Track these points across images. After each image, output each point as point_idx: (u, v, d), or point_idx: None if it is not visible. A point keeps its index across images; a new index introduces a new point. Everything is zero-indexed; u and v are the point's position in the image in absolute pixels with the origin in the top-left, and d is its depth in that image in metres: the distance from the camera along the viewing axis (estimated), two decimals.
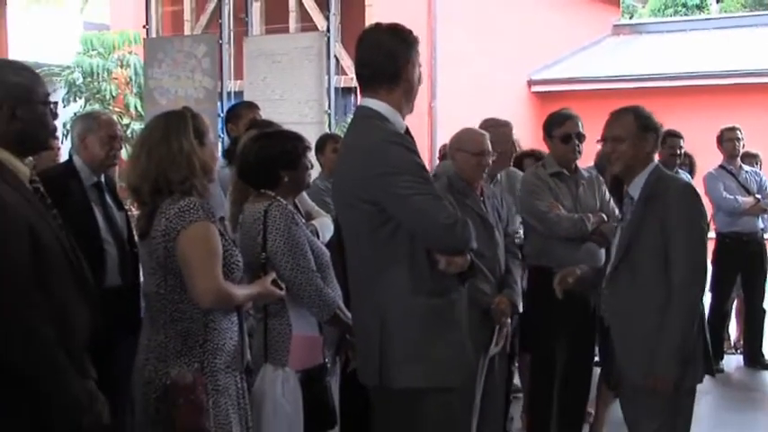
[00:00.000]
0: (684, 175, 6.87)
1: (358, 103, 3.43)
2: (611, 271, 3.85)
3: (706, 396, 6.45)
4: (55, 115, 2.76)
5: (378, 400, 3.36)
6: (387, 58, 3.23)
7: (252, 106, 6.04)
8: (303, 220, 3.80)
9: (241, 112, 5.89)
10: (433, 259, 3.18)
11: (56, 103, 2.79)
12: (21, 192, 2.58)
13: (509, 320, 4.59)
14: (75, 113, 11.18)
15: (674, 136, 6.66)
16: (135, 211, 3.45)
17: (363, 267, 3.30)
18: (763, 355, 7.85)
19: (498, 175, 5.36)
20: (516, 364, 5.85)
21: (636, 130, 3.73)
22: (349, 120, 3.52)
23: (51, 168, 4.57)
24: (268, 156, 3.73)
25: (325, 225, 4.14)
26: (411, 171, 3.13)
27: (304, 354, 3.65)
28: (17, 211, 2.49)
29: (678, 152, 6.80)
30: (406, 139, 3.21)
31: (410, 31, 3.31)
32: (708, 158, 7.84)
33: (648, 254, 3.67)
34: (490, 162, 4.60)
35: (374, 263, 3.22)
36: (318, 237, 3.92)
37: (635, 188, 3.77)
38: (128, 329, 3.82)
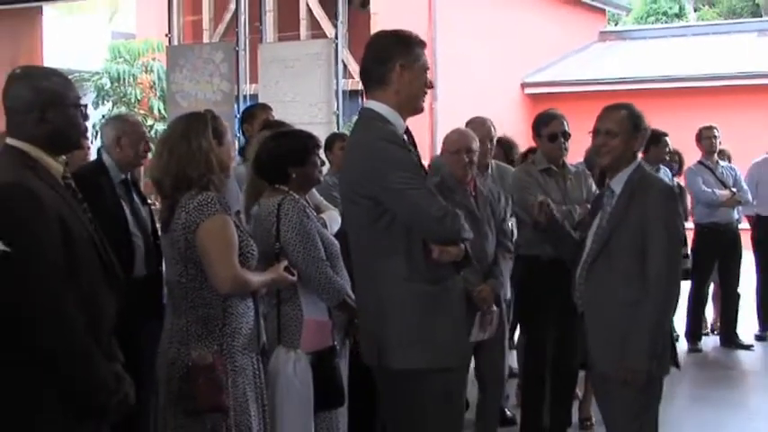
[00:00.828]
0: (664, 173, 6.88)
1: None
2: (587, 261, 3.70)
3: (685, 375, 6.44)
4: (86, 117, 2.75)
5: (379, 379, 3.34)
6: (375, 62, 3.20)
7: (265, 108, 6.04)
8: (314, 214, 3.80)
9: (256, 113, 5.89)
10: (427, 249, 3.17)
11: (86, 105, 2.78)
12: (53, 187, 2.57)
13: (494, 308, 4.54)
14: (103, 116, 11.20)
15: (666, 135, 6.67)
16: (158, 206, 3.45)
17: (364, 257, 3.27)
18: (737, 336, 7.83)
19: (490, 168, 5.33)
20: (514, 347, 5.84)
21: (628, 127, 3.64)
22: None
23: (83, 167, 4.56)
24: (278, 154, 3.73)
25: (333, 218, 4.12)
26: (405, 167, 3.10)
27: (315, 337, 3.64)
28: (50, 206, 2.49)
29: (669, 150, 6.81)
30: (402, 139, 3.17)
31: (412, 35, 3.23)
32: (687, 155, 7.84)
33: (627, 250, 3.55)
34: (474, 159, 4.51)
35: (373, 253, 3.20)
36: (327, 229, 3.90)
37: (617, 183, 3.67)
38: (152, 316, 3.82)
